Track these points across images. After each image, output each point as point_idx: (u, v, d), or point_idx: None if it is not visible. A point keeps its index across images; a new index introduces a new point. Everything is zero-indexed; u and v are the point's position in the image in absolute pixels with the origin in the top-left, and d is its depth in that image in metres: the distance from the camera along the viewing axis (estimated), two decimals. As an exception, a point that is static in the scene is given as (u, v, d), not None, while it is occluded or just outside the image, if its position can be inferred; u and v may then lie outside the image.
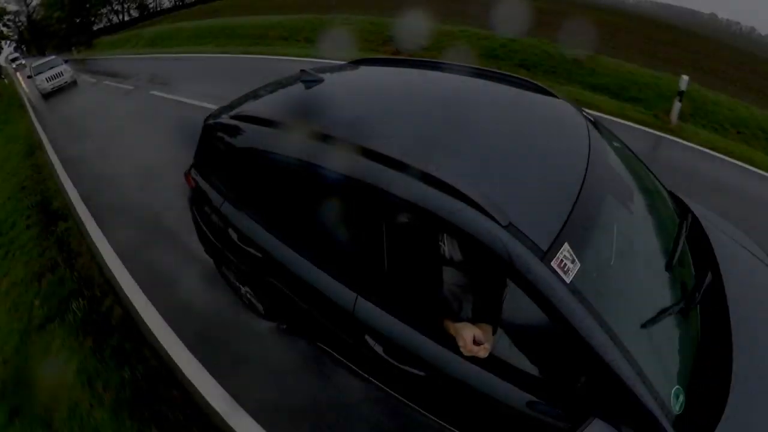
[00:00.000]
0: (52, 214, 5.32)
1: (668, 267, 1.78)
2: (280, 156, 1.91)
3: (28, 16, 44.42)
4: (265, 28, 14.98)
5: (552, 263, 1.31)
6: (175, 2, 45.38)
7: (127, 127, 8.07)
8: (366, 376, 2.15)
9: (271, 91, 2.47)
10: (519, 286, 1.35)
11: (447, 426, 1.94)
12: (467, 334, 1.43)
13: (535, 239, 1.34)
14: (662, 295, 1.69)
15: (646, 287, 1.64)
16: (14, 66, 35.96)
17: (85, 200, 5.31)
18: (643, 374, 1.32)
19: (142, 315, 3.20)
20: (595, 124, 2.03)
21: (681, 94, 6.39)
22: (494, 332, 1.54)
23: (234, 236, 2.28)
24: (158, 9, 45.00)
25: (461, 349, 1.46)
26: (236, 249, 2.32)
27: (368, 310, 1.77)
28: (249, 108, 2.30)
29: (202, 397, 2.53)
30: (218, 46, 14.90)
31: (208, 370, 2.67)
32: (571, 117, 1.94)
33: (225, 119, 2.30)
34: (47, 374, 2.98)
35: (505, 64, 9.14)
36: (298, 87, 2.30)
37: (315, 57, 9.44)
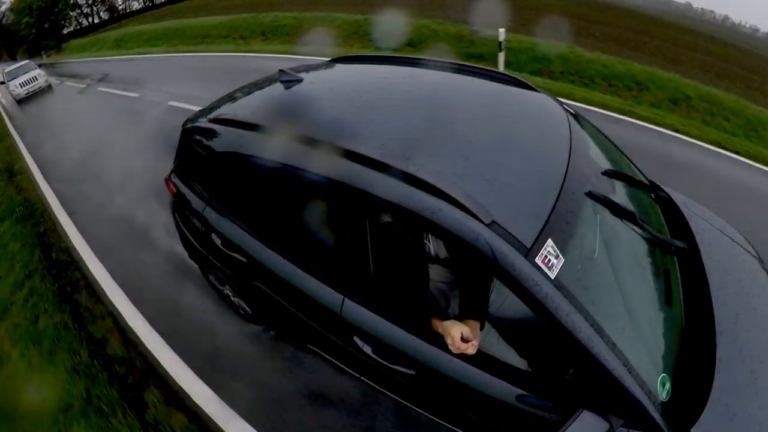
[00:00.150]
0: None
1: (651, 257, 1.80)
2: (261, 159, 1.88)
3: (-1, 21, 43.28)
4: (209, 28, 17.24)
5: (536, 260, 1.32)
6: (144, 3, 44.48)
7: (73, 110, 11.44)
8: (357, 375, 2.14)
9: (250, 93, 2.43)
10: (504, 284, 1.36)
11: (440, 422, 1.95)
12: (455, 331, 1.43)
13: (518, 236, 1.34)
14: (646, 285, 1.71)
15: (630, 278, 1.66)
16: (-15, 71, 34.94)
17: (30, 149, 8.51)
18: (629, 364, 1.34)
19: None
20: (576, 116, 2.04)
21: (500, 45, 7.57)
22: (481, 329, 1.54)
23: (218, 241, 2.25)
24: (127, 11, 44.13)
25: (450, 347, 1.46)
26: (221, 254, 2.29)
27: (355, 311, 1.76)
28: (228, 111, 2.26)
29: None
30: (170, 46, 17.23)
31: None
32: (552, 111, 1.94)
33: (203, 123, 2.26)
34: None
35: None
36: (277, 88, 2.27)
37: (245, 51, 12.82)
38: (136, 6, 44.94)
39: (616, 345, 1.34)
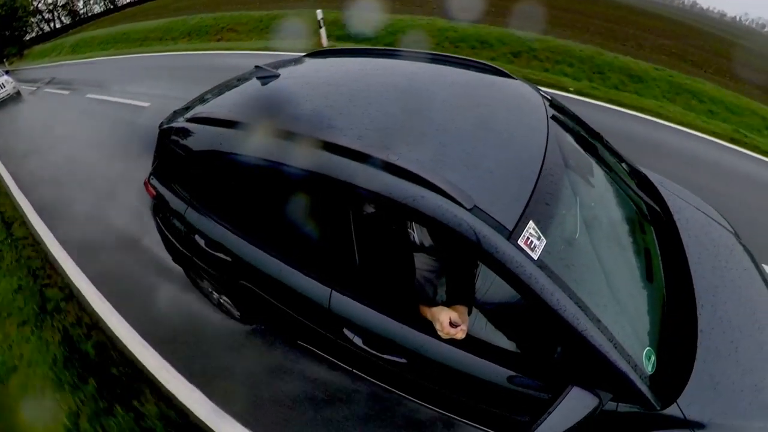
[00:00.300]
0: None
1: (631, 235, 1.84)
2: (241, 156, 1.86)
3: (-40, 29, 41.74)
4: (148, 31, 18.60)
5: (518, 242, 1.33)
6: (105, 6, 43.33)
7: (21, 107, 12.88)
8: (349, 368, 2.14)
9: (226, 90, 2.40)
10: (489, 267, 1.37)
11: (433, 408, 1.96)
12: (443, 317, 1.44)
13: (500, 219, 1.35)
14: (627, 262, 1.75)
15: (611, 256, 1.69)
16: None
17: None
18: (614, 339, 1.37)
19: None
20: (552, 102, 2.07)
21: (320, 23, 9.55)
22: (469, 313, 1.56)
23: (201, 242, 2.22)
24: (88, 15, 42.95)
25: (439, 333, 1.47)
26: (205, 255, 2.26)
27: (343, 303, 1.76)
28: (205, 109, 2.22)
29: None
30: (116, 50, 18.56)
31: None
32: (529, 97, 1.96)
33: (180, 123, 2.22)
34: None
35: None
36: (254, 84, 2.24)
37: (175, 51, 14.24)
38: (97, 9, 43.86)
39: (601, 321, 1.37)
